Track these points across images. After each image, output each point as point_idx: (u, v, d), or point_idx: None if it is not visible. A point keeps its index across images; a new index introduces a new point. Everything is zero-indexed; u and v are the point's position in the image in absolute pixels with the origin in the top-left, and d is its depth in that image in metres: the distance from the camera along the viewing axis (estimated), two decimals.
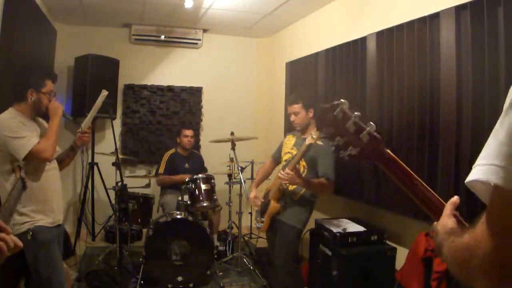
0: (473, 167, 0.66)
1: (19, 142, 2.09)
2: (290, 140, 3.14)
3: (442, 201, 0.88)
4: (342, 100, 0.88)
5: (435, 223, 0.88)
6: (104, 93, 2.67)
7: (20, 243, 1.63)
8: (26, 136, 2.13)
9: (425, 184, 0.89)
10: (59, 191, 2.39)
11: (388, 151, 0.90)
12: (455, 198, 0.87)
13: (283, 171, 2.76)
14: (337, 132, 0.88)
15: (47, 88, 2.28)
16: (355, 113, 0.88)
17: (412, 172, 0.90)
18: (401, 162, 0.90)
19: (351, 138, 0.87)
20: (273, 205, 2.95)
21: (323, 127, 0.90)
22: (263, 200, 3.12)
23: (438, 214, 0.86)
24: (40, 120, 2.39)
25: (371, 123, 0.87)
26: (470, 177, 0.65)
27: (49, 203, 2.26)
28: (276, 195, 2.96)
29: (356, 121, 0.87)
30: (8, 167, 2.13)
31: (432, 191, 0.89)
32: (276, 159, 3.30)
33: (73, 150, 2.53)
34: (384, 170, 0.90)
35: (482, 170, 0.63)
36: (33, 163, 2.16)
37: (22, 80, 2.27)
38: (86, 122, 2.56)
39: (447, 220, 0.84)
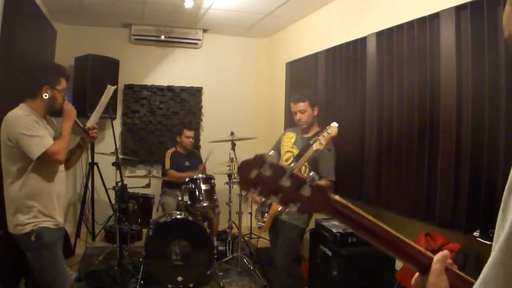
0: None
1: (34, 140, 2.06)
2: (290, 137, 3.12)
3: (420, 248, 0.75)
4: (269, 153, 0.73)
5: (415, 278, 0.75)
6: (111, 88, 2.65)
7: None
8: (42, 135, 2.10)
9: (395, 232, 0.75)
10: (63, 193, 2.37)
11: (337, 198, 0.76)
12: (446, 253, 0.73)
13: None
14: (269, 190, 0.73)
15: (62, 86, 2.26)
16: (291, 164, 0.76)
17: (373, 219, 0.76)
18: (355, 208, 0.76)
19: (289, 194, 0.73)
20: (276, 206, 2.94)
21: (249, 186, 0.73)
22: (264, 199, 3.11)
23: (417, 265, 0.74)
24: (49, 119, 2.36)
25: (312, 172, 0.74)
26: None
27: (54, 205, 2.24)
28: None
29: (292, 174, 0.72)
30: (18, 165, 2.11)
31: (404, 239, 0.75)
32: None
33: (80, 148, 2.50)
34: (336, 220, 0.77)
35: None
36: (46, 164, 2.15)
37: (36, 76, 2.23)
38: (94, 118, 2.54)
39: (438, 281, 0.70)
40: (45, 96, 2.19)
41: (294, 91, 3.48)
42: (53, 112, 2.30)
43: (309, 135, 2.98)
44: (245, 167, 0.73)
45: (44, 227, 2.15)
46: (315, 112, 3.00)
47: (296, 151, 2.96)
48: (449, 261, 0.74)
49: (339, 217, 0.76)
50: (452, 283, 0.71)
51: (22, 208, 2.12)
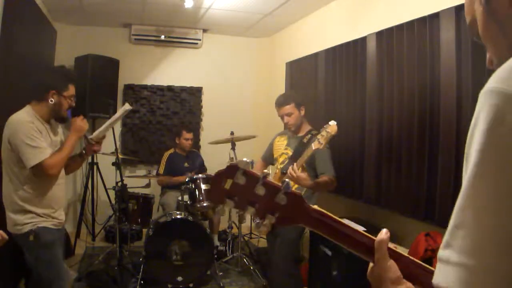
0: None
1: (32, 151, 2.06)
2: (282, 141, 3.13)
3: (400, 252, 0.73)
4: (242, 159, 0.70)
5: (370, 268, 0.72)
6: (127, 107, 2.63)
7: (5, 235, 1.65)
8: (41, 147, 2.09)
9: (370, 236, 0.73)
10: (63, 196, 2.37)
11: (315, 207, 0.73)
12: (384, 233, 0.71)
13: (288, 171, 2.69)
14: (246, 200, 0.70)
15: (69, 92, 2.23)
16: (264, 170, 0.72)
17: (356, 229, 0.74)
18: (334, 217, 0.73)
19: (265, 204, 0.70)
20: None
21: (223, 198, 0.70)
22: None
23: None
24: (54, 124, 2.32)
25: (286, 179, 0.72)
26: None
27: (53, 209, 2.24)
28: None
29: (265, 182, 0.70)
30: (15, 168, 2.11)
31: (393, 248, 0.73)
32: (267, 160, 3.29)
33: (81, 157, 2.49)
34: (314, 231, 0.73)
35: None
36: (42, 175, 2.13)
37: (45, 79, 2.22)
38: (101, 131, 2.51)
39: (385, 264, 0.68)
40: (51, 101, 2.17)
41: (280, 94, 3.36)
42: (57, 118, 2.28)
43: (302, 134, 2.97)
44: (218, 178, 0.71)
45: (43, 227, 2.15)
46: (302, 112, 2.97)
47: (290, 152, 2.95)
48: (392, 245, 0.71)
49: (319, 228, 0.72)
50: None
51: (20, 210, 2.12)
